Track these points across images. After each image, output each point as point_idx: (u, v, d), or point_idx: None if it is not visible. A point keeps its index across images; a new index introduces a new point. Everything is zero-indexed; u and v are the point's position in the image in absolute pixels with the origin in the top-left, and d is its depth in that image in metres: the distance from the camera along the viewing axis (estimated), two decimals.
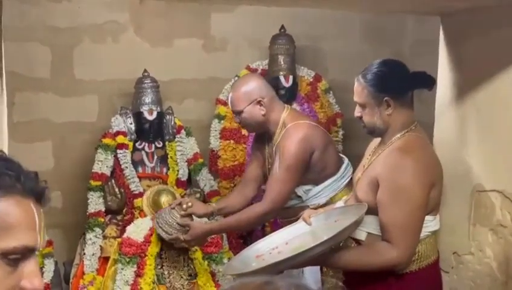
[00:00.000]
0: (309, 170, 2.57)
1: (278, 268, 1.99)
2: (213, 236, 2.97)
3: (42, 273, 3.13)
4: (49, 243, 3.23)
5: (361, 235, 2.07)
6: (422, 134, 2.07)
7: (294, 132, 2.53)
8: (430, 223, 2.04)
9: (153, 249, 2.87)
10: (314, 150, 2.56)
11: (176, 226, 2.67)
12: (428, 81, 2.03)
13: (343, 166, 2.70)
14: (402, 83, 2.03)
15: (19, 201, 0.92)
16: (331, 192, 2.63)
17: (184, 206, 2.66)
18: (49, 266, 3.22)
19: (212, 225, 2.75)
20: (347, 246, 2.11)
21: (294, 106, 3.78)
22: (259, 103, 2.56)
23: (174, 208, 2.72)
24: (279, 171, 2.52)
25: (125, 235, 2.93)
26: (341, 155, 2.84)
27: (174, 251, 2.92)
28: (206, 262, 2.97)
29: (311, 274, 2.73)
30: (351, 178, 2.60)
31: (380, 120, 2.04)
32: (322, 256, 2.01)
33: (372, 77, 2.03)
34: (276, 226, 3.06)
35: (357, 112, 2.09)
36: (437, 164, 2.06)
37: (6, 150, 1.64)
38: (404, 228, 1.93)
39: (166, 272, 2.88)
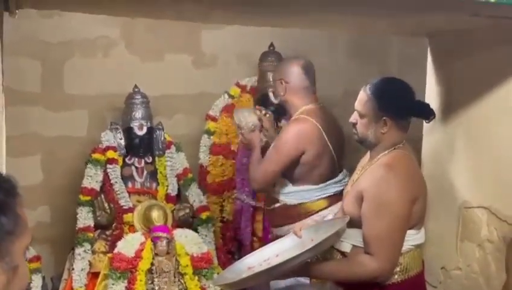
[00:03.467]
0: (295, 168, 2.73)
1: (263, 278, 2.05)
2: (204, 251, 3.03)
3: (30, 288, 3.11)
4: (37, 258, 3.21)
5: (346, 247, 2.12)
6: (408, 151, 2.12)
7: (294, 124, 2.74)
8: (414, 237, 2.08)
9: (144, 264, 2.87)
10: (305, 150, 2.69)
11: (249, 120, 2.91)
12: (429, 114, 2.09)
13: (323, 184, 2.77)
14: (405, 109, 2.07)
15: (19, 206, 1.05)
16: (300, 199, 2.76)
17: (263, 112, 2.96)
18: (37, 281, 3.20)
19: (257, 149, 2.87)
20: (332, 258, 2.17)
21: (283, 122, 3.83)
22: (282, 83, 2.81)
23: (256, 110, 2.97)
24: (268, 153, 2.75)
25: (116, 250, 2.93)
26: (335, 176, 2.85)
27: (165, 266, 2.93)
28: (196, 277, 2.97)
29: None
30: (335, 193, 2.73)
31: (373, 135, 2.09)
32: (307, 266, 2.07)
33: (379, 93, 2.06)
34: (266, 241, 3.14)
35: (353, 118, 2.14)
36: (420, 180, 2.11)
37: (4, 166, 1.65)
38: (385, 240, 1.98)
39: (157, 288, 2.88)
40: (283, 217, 2.80)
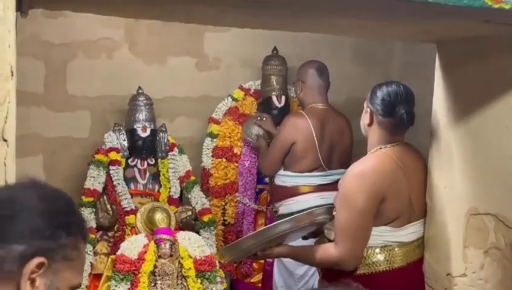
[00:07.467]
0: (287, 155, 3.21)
1: (251, 242, 2.16)
2: (207, 254, 3.05)
3: None
4: None
5: (331, 235, 2.24)
6: (397, 153, 2.20)
7: (289, 117, 3.27)
8: (389, 234, 2.20)
9: (147, 266, 2.86)
10: (295, 140, 3.14)
11: (252, 131, 3.51)
12: (402, 122, 2.21)
13: (301, 173, 3.18)
14: (383, 108, 2.20)
15: (83, 245, 1.09)
16: (282, 182, 3.26)
17: (259, 118, 3.48)
18: None
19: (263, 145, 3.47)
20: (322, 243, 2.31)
21: None
22: (299, 82, 3.28)
23: (256, 120, 3.50)
24: (271, 144, 3.34)
25: (119, 252, 2.92)
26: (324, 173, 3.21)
27: (168, 268, 2.92)
28: (199, 280, 2.97)
29: None
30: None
31: (362, 125, 2.28)
32: (285, 247, 2.24)
33: (375, 88, 2.23)
34: None
35: None
36: (390, 180, 2.17)
37: (14, 165, 1.63)
38: (344, 230, 2.13)
39: None
40: (275, 195, 3.34)
